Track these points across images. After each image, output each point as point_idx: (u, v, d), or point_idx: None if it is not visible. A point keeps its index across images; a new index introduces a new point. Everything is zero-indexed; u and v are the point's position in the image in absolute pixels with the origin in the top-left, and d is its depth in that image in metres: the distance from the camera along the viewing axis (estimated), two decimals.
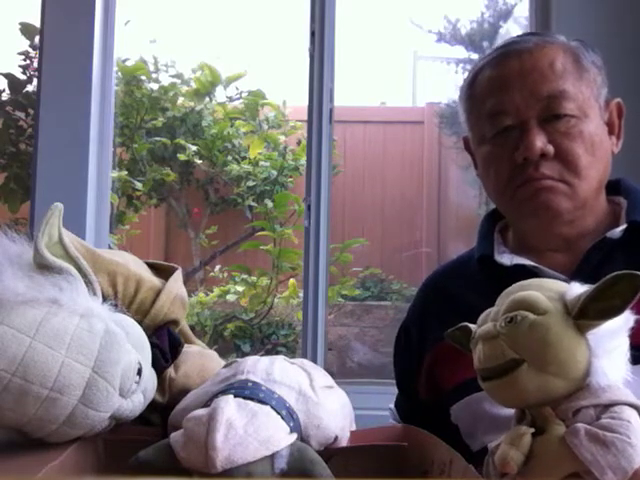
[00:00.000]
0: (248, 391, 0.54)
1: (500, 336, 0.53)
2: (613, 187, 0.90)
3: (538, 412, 0.52)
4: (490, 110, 0.85)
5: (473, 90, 0.89)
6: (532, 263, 0.84)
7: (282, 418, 0.52)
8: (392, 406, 1.03)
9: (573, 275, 0.81)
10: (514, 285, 0.58)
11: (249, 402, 0.52)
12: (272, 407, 0.52)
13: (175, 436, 0.51)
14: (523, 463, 0.50)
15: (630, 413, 0.50)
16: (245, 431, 0.49)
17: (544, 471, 0.49)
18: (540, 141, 0.81)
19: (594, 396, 0.50)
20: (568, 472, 0.48)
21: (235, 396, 0.52)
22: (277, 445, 0.49)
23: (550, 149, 0.81)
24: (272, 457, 0.49)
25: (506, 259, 0.87)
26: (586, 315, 0.51)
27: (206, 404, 0.54)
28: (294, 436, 0.52)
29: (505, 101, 0.83)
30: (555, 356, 0.50)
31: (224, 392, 0.54)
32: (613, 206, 0.89)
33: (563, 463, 0.48)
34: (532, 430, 0.51)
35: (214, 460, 0.47)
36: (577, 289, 0.53)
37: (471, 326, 0.60)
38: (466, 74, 0.92)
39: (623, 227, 0.82)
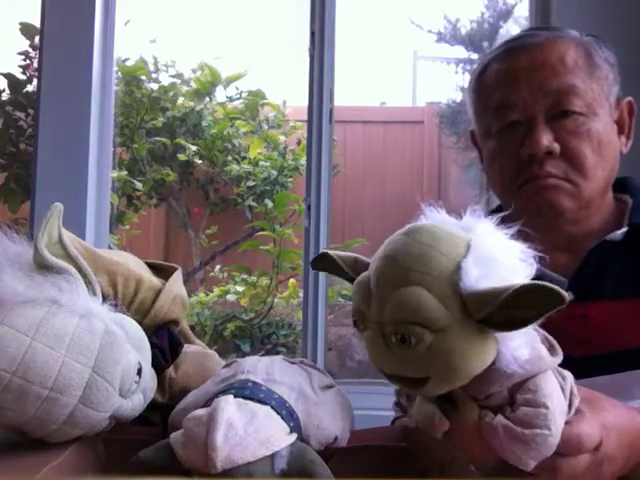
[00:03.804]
0: (248, 391, 0.54)
1: (394, 353, 0.48)
2: (620, 185, 0.88)
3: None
4: (497, 103, 0.84)
5: (481, 82, 0.87)
6: None
7: (282, 418, 0.52)
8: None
9: (574, 276, 0.81)
10: (391, 255, 0.49)
11: (249, 402, 0.52)
12: (272, 407, 0.52)
13: (175, 436, 0.50)
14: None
15: (544, 387, 0.48)
16: (245, 431, 0.48)
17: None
18: (546, 139, 0.79)
19: (504, 377, 0.48)
20: (488, 463, 0.49)
21: (235, 396, 0.52)
22: (277, 445, 0.49)
23: (556, 147, 0.80)
24: (272, 457, 0.49)
25: None
26: (491, 322, 0.45)
27: (206, 404, 0.54)
28: (294, 436, 0.52)
29: (512, 94, 0.82)
30: (462, 371, 0.47)
31: (224, 392, 0.54)
32: (619, 205, 0.88)
33: (483, 454, 0.49)
34: (447, 426, 0.50)
35: (214, 460, 0.47)
36: (472, 271, 0.46)
37: (333, 255, 0.55)
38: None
39: (624, 230, 0.81)
